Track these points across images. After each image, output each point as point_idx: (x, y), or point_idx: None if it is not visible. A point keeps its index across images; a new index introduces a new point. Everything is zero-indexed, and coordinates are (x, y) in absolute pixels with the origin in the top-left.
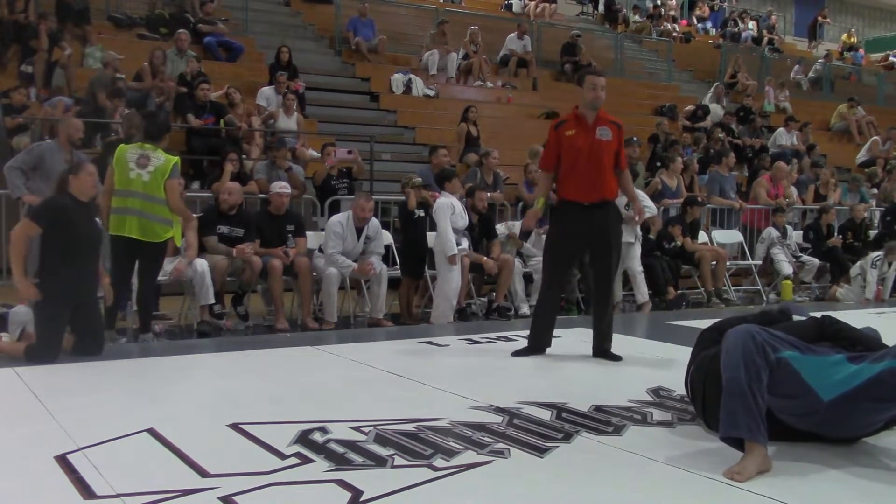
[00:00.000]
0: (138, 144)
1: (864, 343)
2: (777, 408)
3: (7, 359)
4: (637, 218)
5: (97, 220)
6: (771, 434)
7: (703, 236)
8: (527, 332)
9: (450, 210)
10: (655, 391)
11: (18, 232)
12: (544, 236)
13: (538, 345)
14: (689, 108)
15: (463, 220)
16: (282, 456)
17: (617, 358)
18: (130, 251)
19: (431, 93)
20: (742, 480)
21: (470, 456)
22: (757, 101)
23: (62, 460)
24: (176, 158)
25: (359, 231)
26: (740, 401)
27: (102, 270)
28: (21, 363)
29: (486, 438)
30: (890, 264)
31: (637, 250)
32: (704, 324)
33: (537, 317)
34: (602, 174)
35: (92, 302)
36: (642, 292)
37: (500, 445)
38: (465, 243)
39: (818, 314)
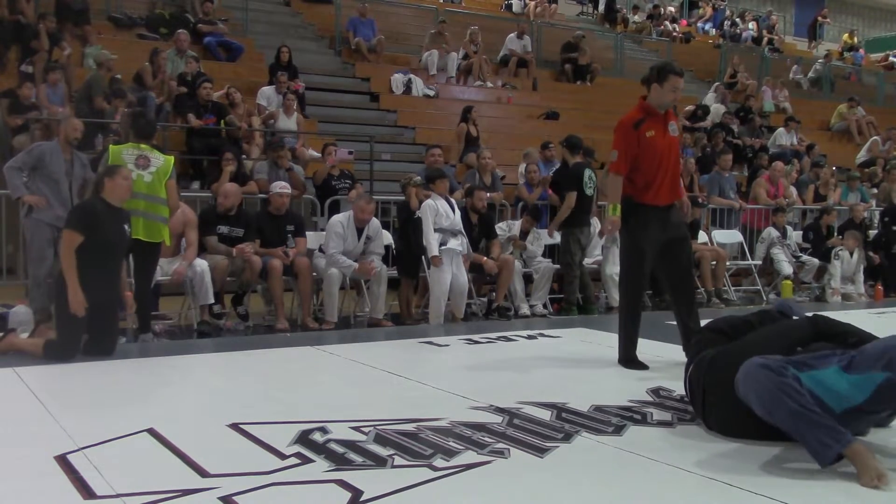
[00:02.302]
0: (132, 145)
1: (857, 335)
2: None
3: (8, 359)
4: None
5: (126, 226)
6: (779, 435)
7: (703, 236)
8: (527, 333)
9: (433, 212)
10: (655, 391)
11: (65, 246)
12: (543, 236)
13: (635, 356)
14: (689, 108)
15: (448, 220)
16: (282, 456)
17: None
18: (129, 252)
19: (431, 93)
20: (884, 483)
21: (470, 456)
22: (757, 101)
23: (62, 460)
24: (172, 157)
25: (359, 231)
26: (807, 424)
27: (125, 281)
28: (23, 363)
29: (486, 438)
30: (852, 254)
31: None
32: (704, 324)
33: (633, 329)
34: (677, 173)
35: (111, 304)
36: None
37: (500, 445)
38: (452, 243)
39: (811, 313)
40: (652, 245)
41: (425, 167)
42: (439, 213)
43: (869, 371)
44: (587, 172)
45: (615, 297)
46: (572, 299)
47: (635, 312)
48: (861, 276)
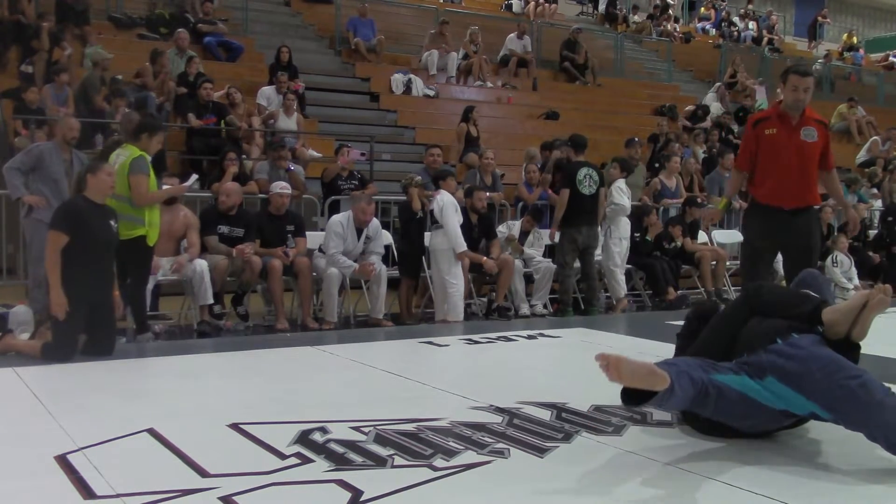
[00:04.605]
0: (122, 146)
1: (787, 310)
2: (743, 426)
3: (8, 359)
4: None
5: (111, 222)
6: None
7: (702, 236)
8: (527, 333)
9: (454, 207)
10: None
11: (49, 247)
12: (544, 237)
13: None
14: (689, 108)
15: (461, 219)
16: (282, 456)
17: None
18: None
19: (431, 93)
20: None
21: (470, 456)
22: (755, 101)
23: (62, 460)
24: (138, 153)
25: (359, 231)
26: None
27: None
28: (22, 363)
29: (486, 438)
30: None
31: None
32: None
33: None
34: (806, 178)
35: (106, 303)
36: (621, 288)
37: (500, 445)
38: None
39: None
40: (767, 243)
41: (425, 167)
42: (457, 211)
43: (804, 397)
44: (583, 171)
45: (618, 292)
46: (566, 300)
47: None
48: (855, 271)
